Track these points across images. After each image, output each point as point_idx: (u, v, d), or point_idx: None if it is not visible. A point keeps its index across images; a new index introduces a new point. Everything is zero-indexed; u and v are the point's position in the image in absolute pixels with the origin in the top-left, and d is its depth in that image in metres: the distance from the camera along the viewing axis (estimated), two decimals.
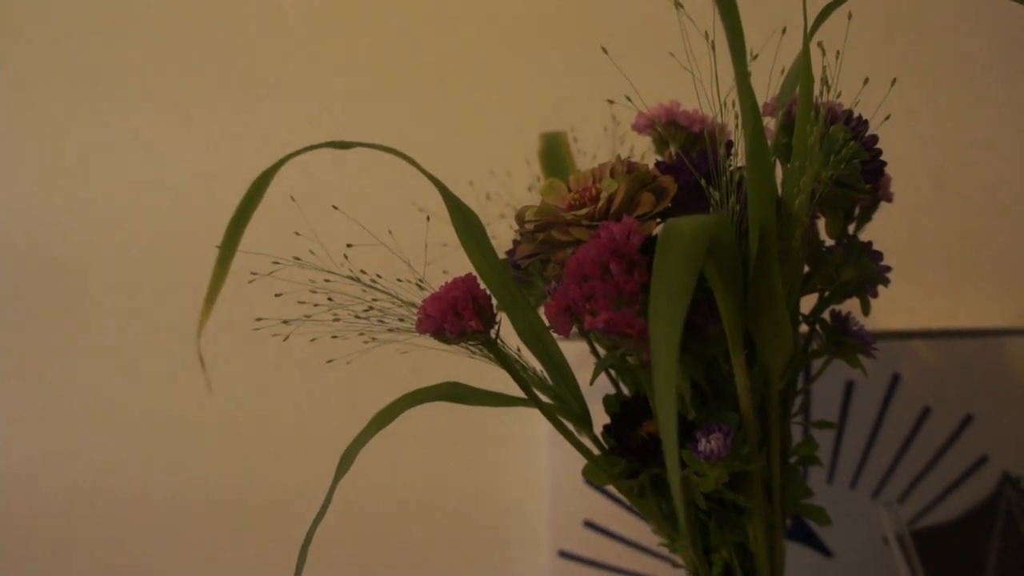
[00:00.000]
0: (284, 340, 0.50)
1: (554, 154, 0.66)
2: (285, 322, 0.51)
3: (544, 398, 0.54)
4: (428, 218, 0.55)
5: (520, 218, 0.51)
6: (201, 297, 0.45)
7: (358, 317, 0.51)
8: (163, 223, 0.92)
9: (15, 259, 0.94)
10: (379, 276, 0.52)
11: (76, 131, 0.94)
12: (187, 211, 0.92)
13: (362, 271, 0.52)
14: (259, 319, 0.50)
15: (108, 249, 0.93)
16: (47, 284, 0.93)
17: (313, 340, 0.49)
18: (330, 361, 0.54)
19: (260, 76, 0.92)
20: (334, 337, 0.51)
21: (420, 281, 0.52)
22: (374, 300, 0.52)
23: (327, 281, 0.51)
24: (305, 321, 0.51)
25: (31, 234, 0.93)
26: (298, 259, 0.51)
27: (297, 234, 0.53)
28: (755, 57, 0.49)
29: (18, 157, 0.94)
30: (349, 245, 0.51)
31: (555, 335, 0.50)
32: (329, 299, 0.51)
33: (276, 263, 0.50)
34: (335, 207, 0.54)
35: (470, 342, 0.51)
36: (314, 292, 0.51)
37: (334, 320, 0.51)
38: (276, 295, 0.50)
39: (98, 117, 0.93)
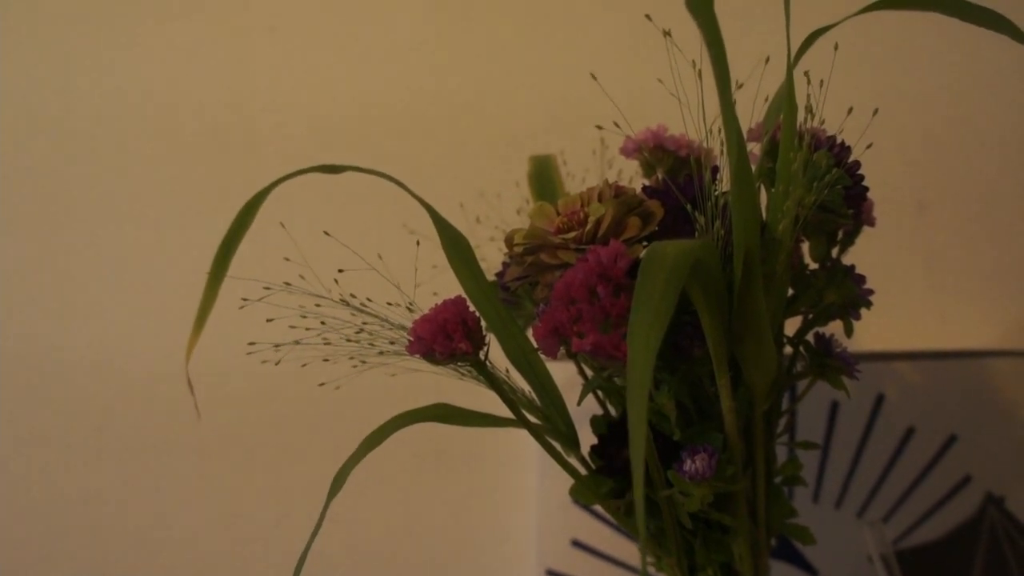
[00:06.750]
0: (276, 365, 0.50)
1: (543, 177, 0.67)
2: (276, 346, 0.51)
3: (532, 419, 0.54)
4: (418, 242, 0.56)
5: (509, 241, 0.52)
6: (191, 314, 0.46)
7: (349, 340, 0.52)
8: (159, 238, 0.93)
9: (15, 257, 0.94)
10: (369, 300, 0.52)
11: (77, 134, 0.94)
12: (184, 225, 0.93)
13: (352, 295, 0.52)
14: (251, 343, 0.50)
15: (104, 261, 0.93)
16: (46, 295, 0.94)
17: (304, 366, 0.50)
18: (322, 384, 0.54)
19: (251, 96, 0.93)
20: (325, 360, 0.52)
21: (410, 304, 0.53)
22: (364, 323, 0.52)
23: (318, 306, 0.52)
24: (296, 345, 0.51)
25: (29, 230, 0.94)
26: (288, 284, 0.51)
27: (287, 259, 0.53)
28: (740, 86, 0.50)
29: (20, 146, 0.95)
30: (340, 270, 0.51)
31: (543, 357, 0.51)
32: (322, 323, 0.51)
33: (267, 288, 0.50)
34: (326, 233, 0.55)
35: (459, 364, 0.51)
36: (304, 317, 0.51)
37: (324, 344, 0.52)
38: (268, 320, 0.50)
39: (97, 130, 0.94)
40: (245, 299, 0.50)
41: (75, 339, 0.93)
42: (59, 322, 0.93)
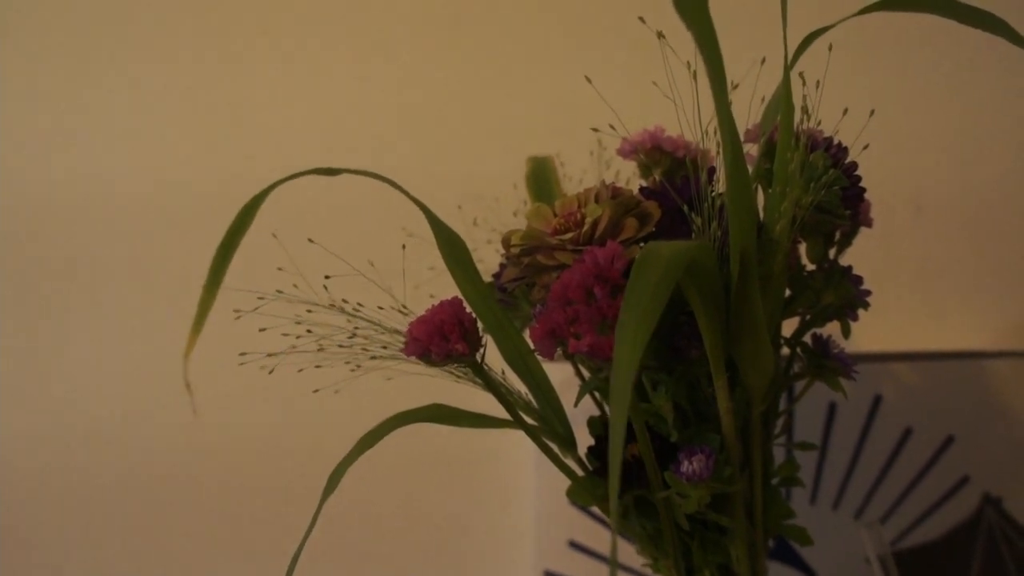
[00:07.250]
0: (270, 373, 0.50)
1: (541, 178, 0.67)
2: (270, 355, 0.51)
3: (529, 420, 0.54)
4: (404, 245, 0.56)
5: (506, 242, 0.52)
6: (186, 317, 0.46)
7: (341, 346, 0.52)
8: (156, 243, 0.93)
9: (12, 256, 0.94)
10: (360, 304, 0.52)
11: (72, 140, 0.94)
12: (180, 231, 0.93)
13: (344, 300, 0.52)
14: (243, 353, 0.50)
15: (100, 263, 0.93)
16: (40, 299, 0.93)
17: (300, 371, 0.50)
18: (316, 391, 0.54)
19: (248, 99, 0.93)
20: (318, 367, 0.52)
21: (403, 307, 0.53)
22: (356, 328, 0.52)
23: (309, 312, 0.51)
24: (290, 353, 0.51)
25: (29, 234, 0.94)
26: (281, 292, 0.51)
27: (280, 269, 0.53)
28: (736, 87, 0.50)
29: (18, 159, 0.94)
30: (327, 276, 0.51)
31: (540, 358, 0.51)
32: (308, 331, 0.51)
33: (261, 298, 0.50)
34: (311, 240, 0.55)
35: (455, 365, 0.51)
36: (298, 323, 0.51)
37: (319, 350, 0.51)
38: (261, 330, 0.50)
39: (94, 131, 0.94)
40: (238, 310, 0.49)
41: (70, 343, 0.93)
42: (54, 321, 0.93)
